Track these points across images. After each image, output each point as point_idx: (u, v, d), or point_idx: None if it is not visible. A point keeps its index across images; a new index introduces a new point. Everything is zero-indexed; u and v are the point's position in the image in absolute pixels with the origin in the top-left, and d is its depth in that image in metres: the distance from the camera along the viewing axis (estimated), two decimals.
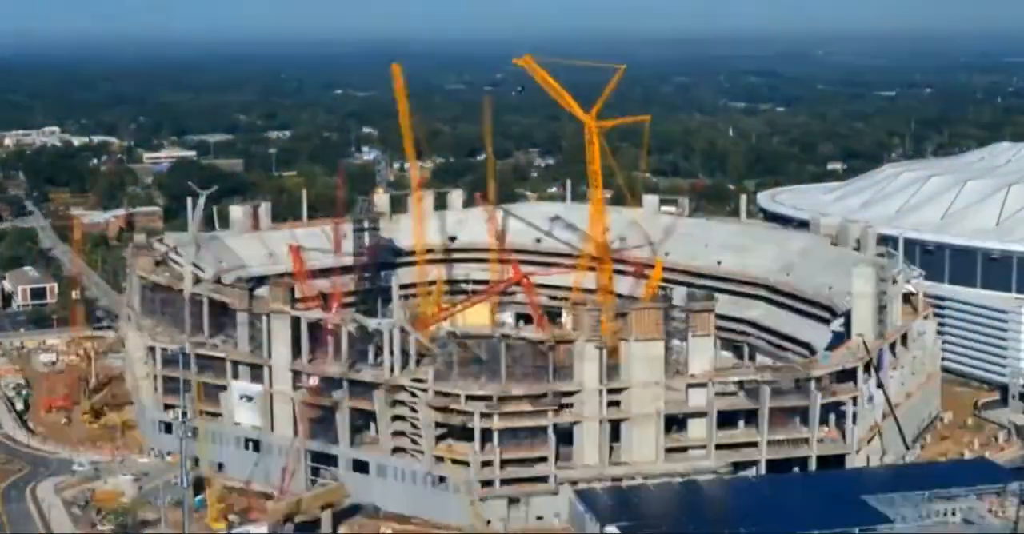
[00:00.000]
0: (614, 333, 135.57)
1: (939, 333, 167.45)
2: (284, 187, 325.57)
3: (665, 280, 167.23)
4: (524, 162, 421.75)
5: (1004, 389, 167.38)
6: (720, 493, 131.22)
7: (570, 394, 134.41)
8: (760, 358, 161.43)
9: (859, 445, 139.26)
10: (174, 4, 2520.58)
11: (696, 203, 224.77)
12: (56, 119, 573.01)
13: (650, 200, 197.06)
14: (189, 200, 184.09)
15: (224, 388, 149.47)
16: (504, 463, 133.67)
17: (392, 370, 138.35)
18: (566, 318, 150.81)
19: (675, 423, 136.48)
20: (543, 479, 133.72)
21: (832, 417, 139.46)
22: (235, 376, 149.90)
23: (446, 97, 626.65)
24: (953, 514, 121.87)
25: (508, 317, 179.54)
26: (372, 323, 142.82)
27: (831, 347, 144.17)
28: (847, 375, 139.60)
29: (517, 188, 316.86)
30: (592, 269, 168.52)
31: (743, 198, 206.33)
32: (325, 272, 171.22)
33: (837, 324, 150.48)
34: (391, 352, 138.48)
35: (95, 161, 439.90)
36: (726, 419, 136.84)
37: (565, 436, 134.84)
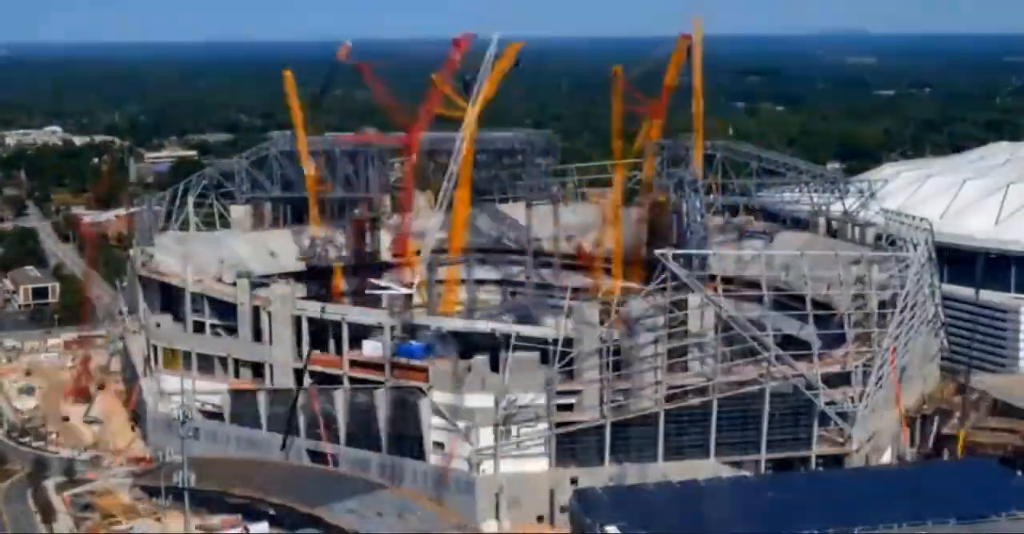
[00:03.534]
0: None
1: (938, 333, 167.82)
2: None
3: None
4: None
5: None
6: (721, 493, 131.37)
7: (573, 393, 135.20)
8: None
9: (859, 445, 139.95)
10: (177, 6, 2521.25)
11: None
12: (57, 119, 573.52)
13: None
14: (190, 199, 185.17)
15: None
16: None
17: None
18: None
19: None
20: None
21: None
22: (236, 374, 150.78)
23: None
24: None
25: (507, 317, 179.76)
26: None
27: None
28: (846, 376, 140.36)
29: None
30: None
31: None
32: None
33: (836, 324, 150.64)
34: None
35: (96, 160, 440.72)
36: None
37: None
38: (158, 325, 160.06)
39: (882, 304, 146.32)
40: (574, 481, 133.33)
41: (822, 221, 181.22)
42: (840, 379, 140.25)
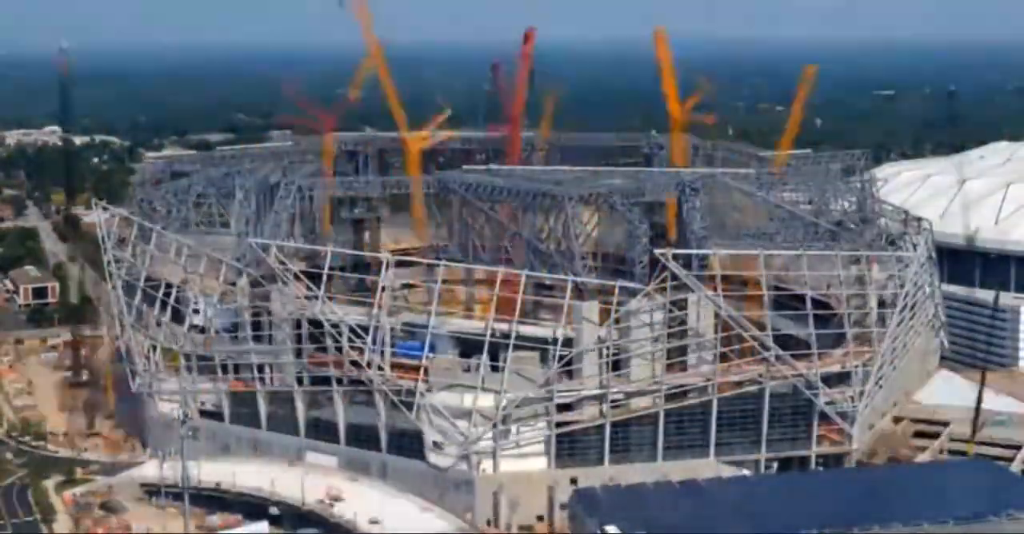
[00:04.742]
0: None
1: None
2: None
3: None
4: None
5: None
6: (721, 492, 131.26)
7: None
8: None
9: (858, 444, 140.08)
10: (179, 9, 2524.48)
11: None
12: (57, 118, 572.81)
13: None
14: (190, 201, 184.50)
15: None
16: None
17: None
18: None
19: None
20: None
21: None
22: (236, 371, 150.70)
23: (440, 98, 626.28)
24: None
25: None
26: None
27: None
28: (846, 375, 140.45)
29: None
30: None
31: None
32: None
33: (836, 323, 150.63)
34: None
35: (96, 160, 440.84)
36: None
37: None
38: (158, 325, 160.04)
39: (882, 304, 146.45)
40: (574, 481, 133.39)
41: (822, 222, 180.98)
42: (840, 379, 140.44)
